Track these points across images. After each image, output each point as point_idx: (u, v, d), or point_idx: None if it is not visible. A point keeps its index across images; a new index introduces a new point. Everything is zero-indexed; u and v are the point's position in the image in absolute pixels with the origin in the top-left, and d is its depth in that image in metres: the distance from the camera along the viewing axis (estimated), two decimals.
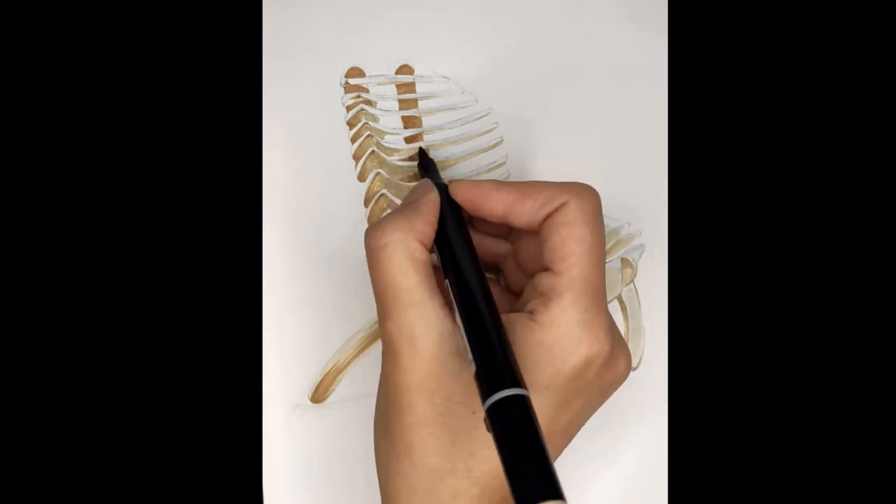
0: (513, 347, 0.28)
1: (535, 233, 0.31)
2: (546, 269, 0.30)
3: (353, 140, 0.38)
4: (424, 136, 0.38)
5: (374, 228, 0.30)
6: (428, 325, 0.29)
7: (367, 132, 0.37)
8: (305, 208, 0.37)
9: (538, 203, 0.31)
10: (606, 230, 0.38)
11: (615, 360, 0.31)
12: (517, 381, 0.26)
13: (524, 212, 0.31)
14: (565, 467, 0.37)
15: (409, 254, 0.30)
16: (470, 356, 0.28)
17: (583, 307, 0.29)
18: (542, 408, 0.29)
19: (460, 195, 0.32)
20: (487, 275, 0.36)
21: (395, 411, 0.29)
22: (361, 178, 0.37)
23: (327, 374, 0.36)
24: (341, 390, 0.36)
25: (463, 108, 0.38)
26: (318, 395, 0.36)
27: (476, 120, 0.38)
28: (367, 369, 0.36)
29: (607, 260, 0.38)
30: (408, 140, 0.38)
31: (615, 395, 0.37)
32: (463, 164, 0.38)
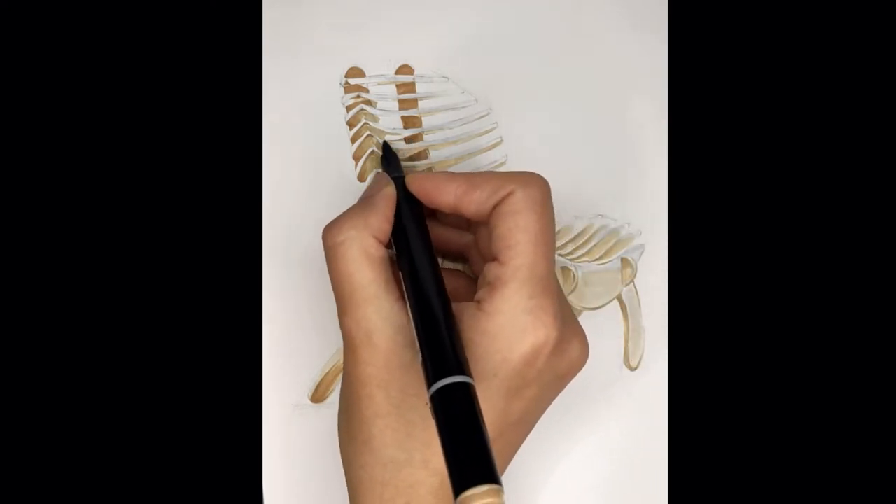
0: (461, 336, 0.29)
1: (487, 223, 0.32)
2: (495, 259, 0.31)
3: (353, 140, 0.38)
4: (424, 136, 0.38)
5: (331, 226, 0.31)
6: (383, 320, 0.30)
7: (367, 132, 0.37)
8: (305, 208, 0.37)
9: (486, 193, 0.31)
10: (606, 230, 0.38)
11: (567, 346, 0.31)
12: (462, 369, 0.27)
13: (473, 202, 0.31)
14: (565, 466, 0.37)
15: (363, 250, 0.30)
16: (418, 346, 0.29)
17: (528, 295, 0.30)
18: (492, 397, 0.30)
19: (415, 187, 0.32)
20: (457, 266, 0.36)
21: (354, 404, 0.30)
22: (361, 178, 0.37)
23: (327, 374, 0.36)
24: None
25: (463, 108, 0.38)
26: (318, 395, 0.36)
27: (476, 120, 0.38)
28: None
29: (607, 260, 0.38)
30: (408, 140, 0.38)
31: (615, 395, 0.37)
32: (463, 164, 0.38)
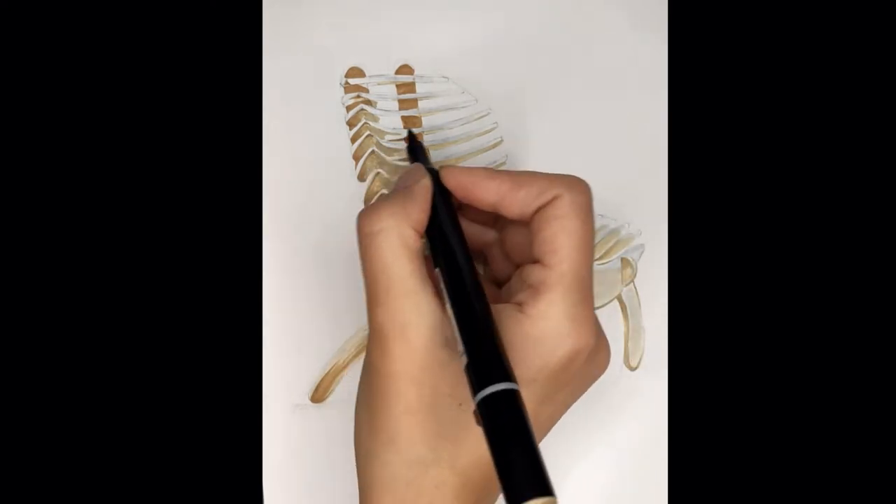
0: (502, 340, 0.28)
1: (524, 223, 0.31)
2: (536, 262, 0.30)
3: (353, 140, 0.38)
4: (424, 136, 0.38)
5: (368, 213, 0.30)
6: (420, 316, 0.29)
7: (367, 132, 0.38)
8: (305, 208, 0.37)
9: (531, 195, 0.30)
10: (606, 230, 0.38)
11: (599, 353, 0.31)
12: (508, 375, 0.27)
13: (516, 202, 0.31)
14: (565, 466, 0.37)
15: (403, 241, 0.29)
16: (461, 348, 0.28)
17: (572, 301, 0.29)
18: (527, 401, 0.29)
19: (452, 181, 0.32)
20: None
21: (381, 400, 0.29)
22: (361, 177, 0.37)
23: (327, 374, 0.36)
24: (341, 390, 0.36)
25: (463, 108, 0.38)
26: (318, 395, 0.36)
27: (476, 120, 0.38)
28: None
29: (607, 260, 0.38)
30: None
31: (616, 395, 0.37)
32: (463, 164, 0.38)
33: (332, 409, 0.36)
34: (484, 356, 0.27)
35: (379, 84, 0.38)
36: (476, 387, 0.26)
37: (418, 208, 0.30)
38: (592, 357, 0.30)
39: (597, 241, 0.38)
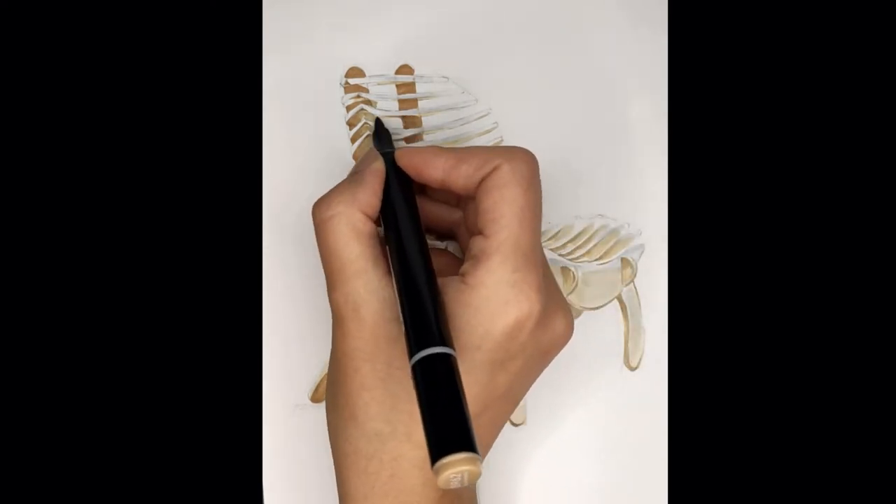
0: (444, 309, 0.29)
1: (474, 197, 0.32)
2: (480, 233, 0.31)
3: (353, 140, 0.38)
4: (424, 136, 0.38)
5: (320, 202, 0.31)
6: (370, 293, 0.30)
7: (367, 132, 0.38)
8: (305, 208, 0.37)
9: (472, 167, 0.31)
10: (606, 230, 0.38)
11: (550, 320, 0.31)
12: (443, 340, 0.27)
13: (460, 176, 0.31)
14: (565, 466, 0.37)
15: (352, 225, 0.31)
16: (401, 317, 0.29)
17: (511, 268, 0.30)
18: (476, 370, 0.30)
19: (404, 162, 0.33)
20: (439, 244, 0.36)
21: (341, 378, 0.30)
22: None
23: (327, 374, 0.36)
24: None
25: (463, 108, 0.38)
26: (319, 394, 0.36)
27: (476, 120, 0.38)
28: None
29: (607, 260, 0.38)
30: (407, 140, 0.38)
31: (615, 395, 0.37)
32: None
33: None
34: (420, 322, 0.28)
35: (379, 84, 0.38)
36: (411, 351, 0.27)
37: (367, 192, 0.31)
38: (544, 324, 0.31)
39: (597, 241, 0.38)
